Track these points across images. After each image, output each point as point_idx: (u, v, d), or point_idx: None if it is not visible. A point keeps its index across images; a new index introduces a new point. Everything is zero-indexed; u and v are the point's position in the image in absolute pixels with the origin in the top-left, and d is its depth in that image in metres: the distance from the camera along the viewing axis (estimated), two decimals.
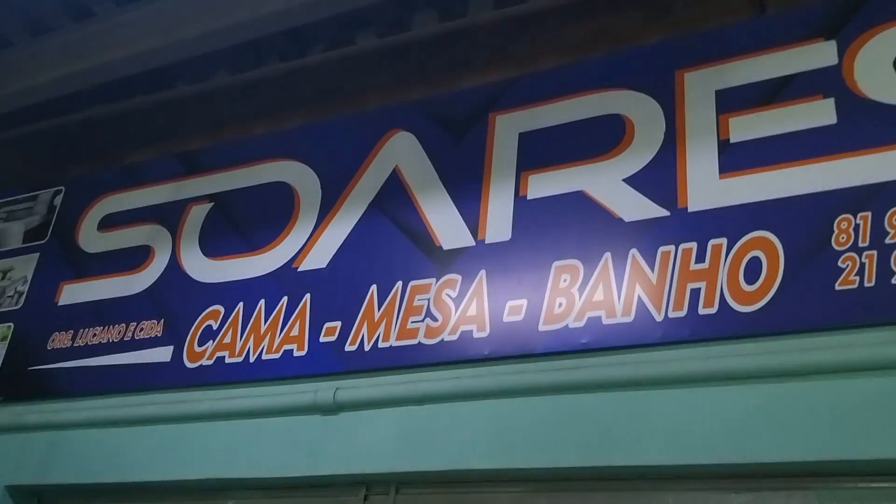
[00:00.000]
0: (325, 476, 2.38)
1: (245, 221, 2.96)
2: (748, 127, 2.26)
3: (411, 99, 2.96)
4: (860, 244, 1.98)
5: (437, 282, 2.48)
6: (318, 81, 3.28)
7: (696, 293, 2.12)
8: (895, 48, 2.17)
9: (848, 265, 1.98)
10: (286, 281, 2.74)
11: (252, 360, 2.63)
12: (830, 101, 2.18)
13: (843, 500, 1.88)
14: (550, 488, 2.17)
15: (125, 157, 3.57)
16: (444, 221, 2.57)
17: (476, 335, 2.34)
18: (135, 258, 3.09)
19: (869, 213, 2.00)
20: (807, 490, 1.91)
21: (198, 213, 3.07)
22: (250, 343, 2.66)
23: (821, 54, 2.25)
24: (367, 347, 2.49)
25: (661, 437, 2.01)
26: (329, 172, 2.90)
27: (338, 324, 2.57)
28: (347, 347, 2.52)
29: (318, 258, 2.73)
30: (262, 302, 2.73)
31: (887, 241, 1.96)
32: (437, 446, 2.26)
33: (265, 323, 2.68)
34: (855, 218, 2.01)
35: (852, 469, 1.86)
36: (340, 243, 2.72)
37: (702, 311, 2.09)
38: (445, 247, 2.53)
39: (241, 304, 2.75)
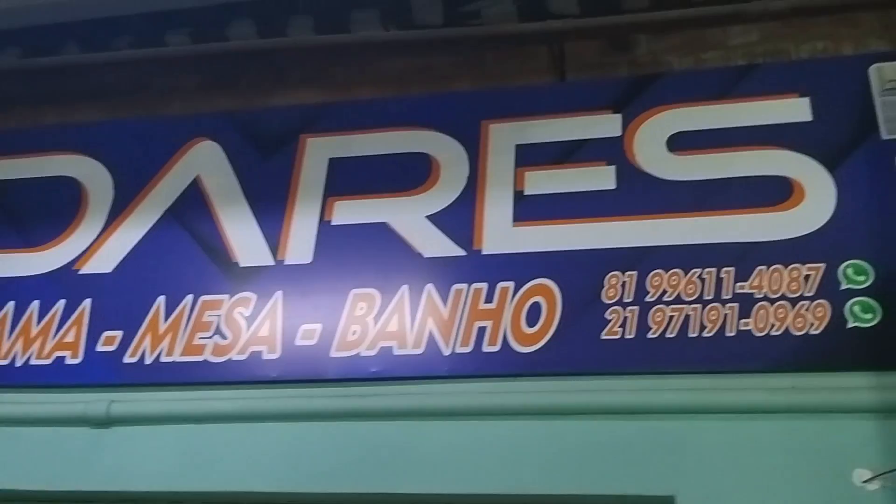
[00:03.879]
0: (93, 492, 2.25)
1: (24, 215, 2.74)
2: (541, 182, 2.45)
3: (221, 108, 2.91)
4: (625, 299, 2.22)
5: (230, 299, 2.44)
6: (122, 77, 3.12)
7: (482, 331, 2.26)
8: (669, 128, 2.46)
9: (613, 317, 2.20)
10: (65, 283, 2.57)
11: (19, 364, 2.44)
12: (612, 169, 2.42)
13: None
14: None
15: None
16: (244, 238, 2.54)
17: (266, 356, 2.33)
18: None
19: (635, 273, 2.25)
20: None
21: None
22: (18, 346, 2.47)
23: (608, 125, 2.50)
24: (148, 360, 2.40)
25: (439, 467, 2.12)
26: (124, 173, 2.76)
27: (118, 333, 2.45)
28: (127, 359, 2.41)
29: (104, 262, 2.59)
30: (35, 303, 2.54)
31: (647, 299, 2.21)
32: (215, 467, 2.22)
33: (37, 326, 2.50)
34: (623, 275, 2.25)
35: (603, 502, 2.06)
36: (129, 249, 2.60)
37: (486, 348, 2.23)
38: (242, 264, 2.50)
39: (10, 304, 2.54)
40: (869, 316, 2.08)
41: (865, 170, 2.26)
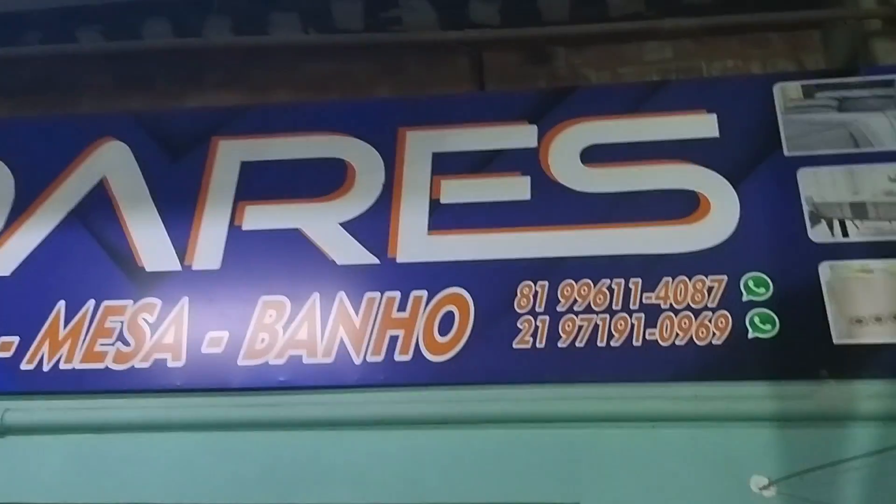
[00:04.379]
0: None
1: None
2: (457, 191, 2.45)
3: (130, 109, 2.82)
4: (537, 309, 2.24)
5: (134, 304, 2.36)
6: (30, 73, 3.01)
7: (394, 340, 2.24)
8: (583, 141, 2.50)
9: (525, 326, 2.22)
10: None
11: None
12: (527, 180, 2.44)
13: None
14: None
15: None
16: (150, 242, 2.47)
17: (170, 364, 2.26)
18: None
19: (546, 283, 2.27)
20: None
21: None
22: None
23: (524, 136, 2.52)
24: (46, 368, 2.30)
25: (347, 478, 2.09)
26: (26, 172, 2.65)
27: (15, 339, 2.35)
28: (24, 366, 2.31)
29: (1, 265, 2.48)
30: None
31: (558, 308, 2.23)
32: (114, 479, 2.14)
33: None
34: (535, 285, 2.27)
35: None
36: (29, 252, 2.49)
37: (398, 357, 2.22)
38: (148, 269, 2.42)
39: None
40: (768, 327, 2.14)
41: (768, 185, 2.34)
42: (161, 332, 2.31)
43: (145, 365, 2.27)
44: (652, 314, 2.19)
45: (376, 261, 2.36)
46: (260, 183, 2.54)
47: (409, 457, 2.11)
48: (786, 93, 2.49)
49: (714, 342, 2.14)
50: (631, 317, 2.20)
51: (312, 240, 2.43)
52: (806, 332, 2.12)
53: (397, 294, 2.30)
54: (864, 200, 2.27)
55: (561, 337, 2.19)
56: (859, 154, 2.34)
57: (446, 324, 2.24)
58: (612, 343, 2.17)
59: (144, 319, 2.33)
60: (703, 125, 2.46)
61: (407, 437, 2.14)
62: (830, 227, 2.25)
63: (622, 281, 2.25)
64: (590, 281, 2.26)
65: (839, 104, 2.44)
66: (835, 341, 2.10)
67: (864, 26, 2.64)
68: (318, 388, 2.22)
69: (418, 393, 2.18)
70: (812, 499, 1.92)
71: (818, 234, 2.25)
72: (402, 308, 2.28)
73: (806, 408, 2.05)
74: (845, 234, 2.24)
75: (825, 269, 2.19)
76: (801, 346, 2.11)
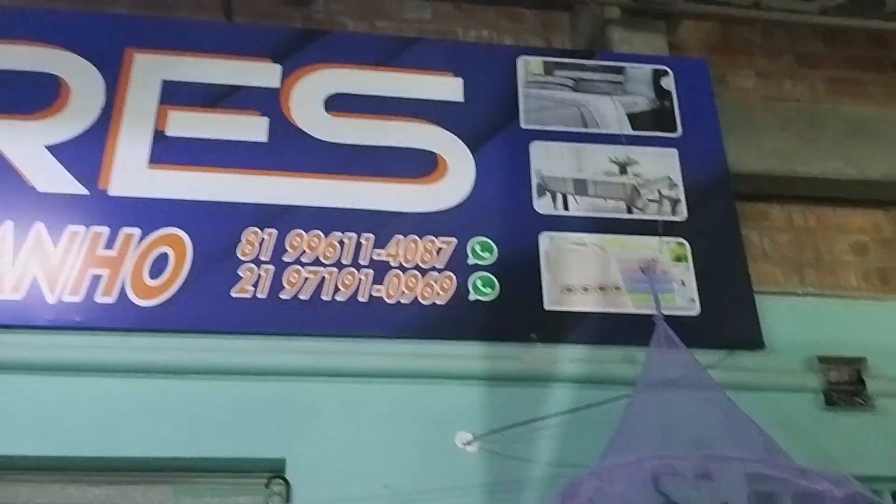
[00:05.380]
0: None
1: None
2: (186, 124, 2.27)
3: None
4: (261, 258, 2.13)
5: None
6: None
7: (96, 280, 2.03)
8: (329, 88, 2.41)
9: (247, 275, 2.10)
10: None
11: None
12: (265, 121, 2.31)
13: (198, 495, 1.96)
14: None
15: None
16: None
17: None
18: None
19: (275, 231, 2.16)
20: (165, 484, 1.94)
21: None
22: None
23: (266, 74, 2.38)
24: None
25: (23, 426, 1.88)
26: None
27: None
28: None
29: None
30: None
31: (285, 258, 2.14)
32: None
33: None
34: (262, 232, 2.16)
35: (213, 465, 1.96)
36: None
37: (99, 298, 2.01)
38: None
39: None
40: (489, 290, 2.20)
41: (503, 154, 2.40)
42: None
43: None
44: (381, 271, 2.17)
45: (84, 191, 2.13)
46: None
47: (104, 406, 1.94)
48: (528, 67, 2.56)
49: (437, 302, 2.16)
50: (359, 272, 2.16)
51: (11, 161, 2.14)
52: (522, 297, 2.21)
53: (105, 230, 2.09)
54: (586, 178, 2.40)
55: (284, 288, 2.11)
56: (586, 134, 2.47)
57: (159, 266, 2.07)
58: (338, 297, 2.12)
59: None
60: (449, 88, 2.47)
61: (104, 385, 1.96)
62: (554, 199, 2.36)
63: (354, 235, 2.20)
64: (321, 232, 2.19)
65: (575, 84, 2.55)
66: (546, 307, 2.20)
67: (604, 13, 2.78)
68: (4, 328, 1.96)
69: (119, 338, 2.00)
70: (512, 454, 2.01)
71: (543, 205, 2.34)
72: (109, 246, 2.07)
73: (514, 368, 2.13)
74: (566, 207, 2.35)
75: (545, 239, 2.29)
76: (516, 310, 2.19)
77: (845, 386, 2.25)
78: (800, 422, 2.18)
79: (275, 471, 1.93)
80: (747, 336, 2.26)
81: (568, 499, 1.60)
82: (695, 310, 2.25)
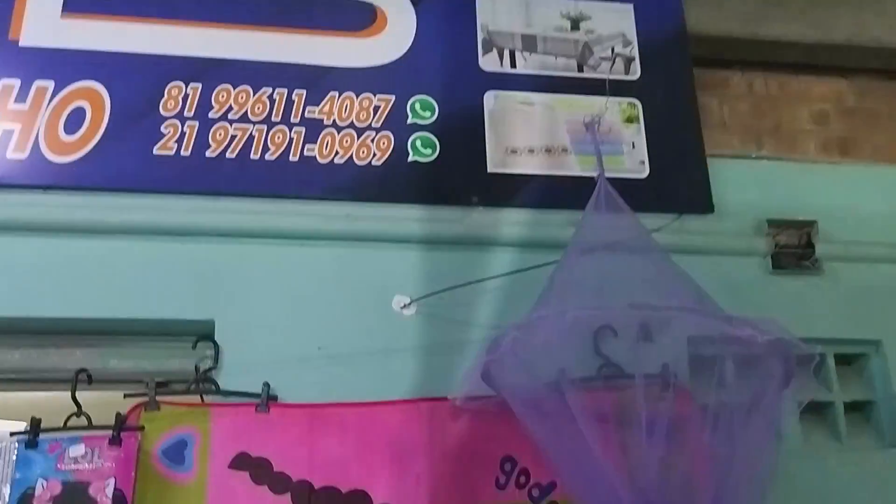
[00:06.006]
0: None
1: None
2: None
3: None
4: (185, 113, 2.01)
5: None
6: None
7: (8, 135, 1.92)
8: None
9: (170, 131, 1.99)
10: None
11: None
12: None
13: (125, 357, 1.90)
14: None
15: None
16: None
17: None
18: None
19: (200, 85, 2.04)
20: (91, 347, 1.88)
21: None
22: None
23: None
24: None
25: None
26: None
27: None
28: None
29: None
30: None
31: (210, 114, 2.02)
32: None
33: None
34: (186, 87, 2.03)
35: (140, 328, 1.90)
36: None
37: (11, 154, 1.90)
38: None
39: None
40: (429, 151, 2.10)
41: (447, 7, 2.25)
42: None
43: None
44: (313, 129, 2.06)
45: None
46: None
47: (22, 266, 1.85)
48: None
49: (374, 163, 2.06)
50: (290, 130, 2.05)
51: None
52: (464, 158, 2.11)
53: (16, 82, 1.96)
54: (535, 33, 2.27)
55: (210, 146, 2.00)
56: None
57: (75, 121, 1.95)
58: (267, 156, 2.02)
59: None
60: None
61: (21, 245, 1.87)
62: (501, 56, 2.23)
63: (285, 91, 2.08)
64: (249, 88, 2.06)
65: None
66: (489, 170, 2.11)
67: None
68: None
69: (34, 196, 1.89)
70: (448, 317, 1.95)
71: (488, 62, 2.22)
72: (21, 99, 1.95)
73: (454, 231, 2.06)
74: (513, 64, 2.23)
75: (490, 98, 2.18)
76: (458, 172, 2.10)
77: (794, 249, 2.20)
78: (747, 285, 2.13)
79: (203, 333, 1.86)
80: (696, 199, 2.19)
81: (491, 352, 1.56)
82: (644, 172, 2.17)
